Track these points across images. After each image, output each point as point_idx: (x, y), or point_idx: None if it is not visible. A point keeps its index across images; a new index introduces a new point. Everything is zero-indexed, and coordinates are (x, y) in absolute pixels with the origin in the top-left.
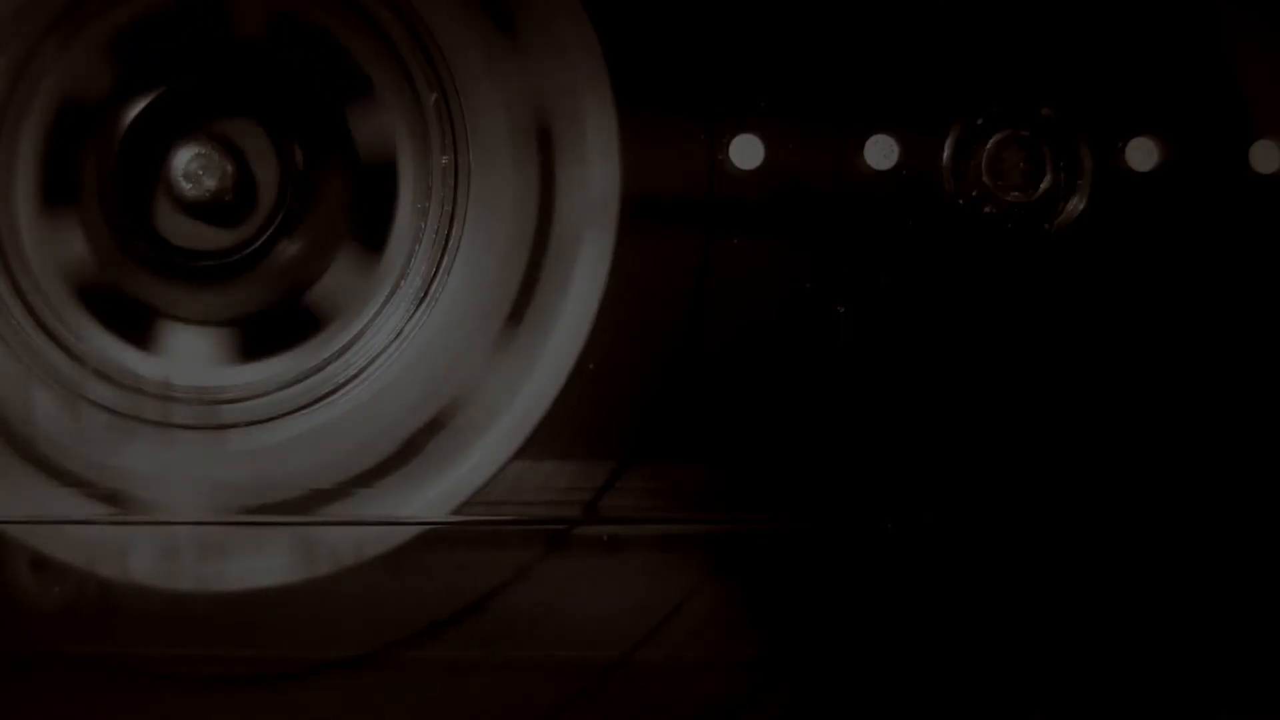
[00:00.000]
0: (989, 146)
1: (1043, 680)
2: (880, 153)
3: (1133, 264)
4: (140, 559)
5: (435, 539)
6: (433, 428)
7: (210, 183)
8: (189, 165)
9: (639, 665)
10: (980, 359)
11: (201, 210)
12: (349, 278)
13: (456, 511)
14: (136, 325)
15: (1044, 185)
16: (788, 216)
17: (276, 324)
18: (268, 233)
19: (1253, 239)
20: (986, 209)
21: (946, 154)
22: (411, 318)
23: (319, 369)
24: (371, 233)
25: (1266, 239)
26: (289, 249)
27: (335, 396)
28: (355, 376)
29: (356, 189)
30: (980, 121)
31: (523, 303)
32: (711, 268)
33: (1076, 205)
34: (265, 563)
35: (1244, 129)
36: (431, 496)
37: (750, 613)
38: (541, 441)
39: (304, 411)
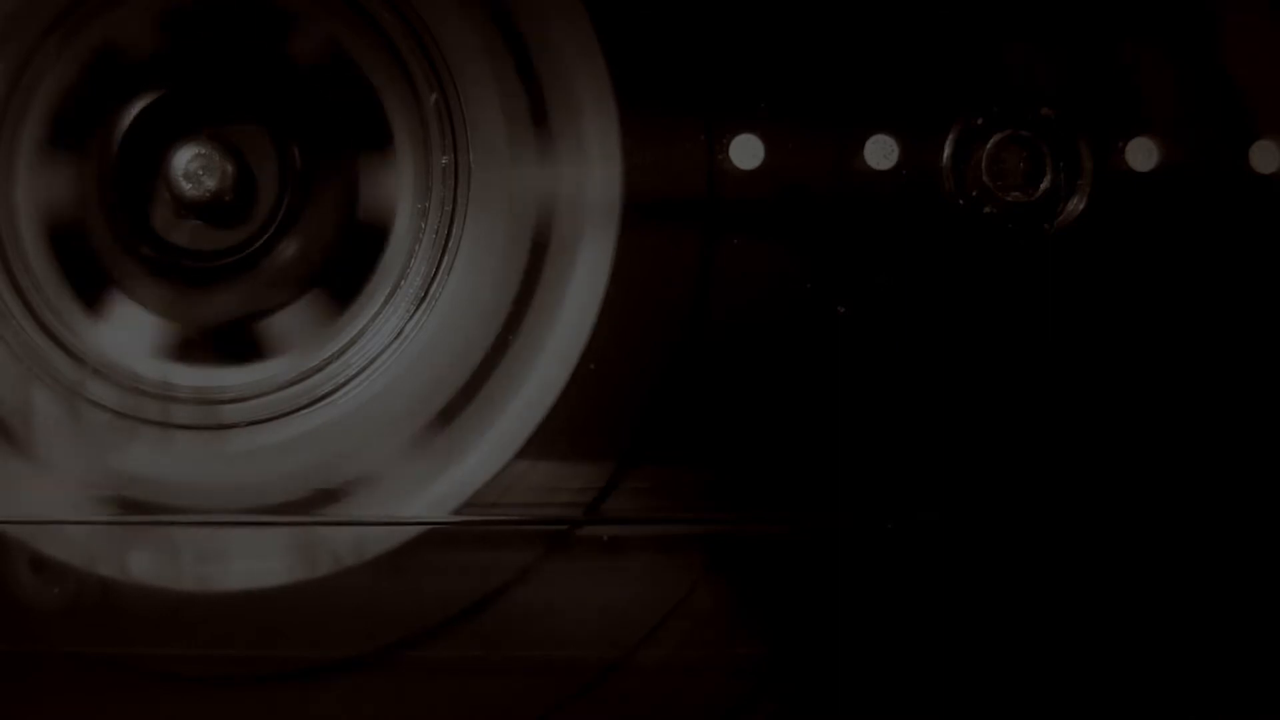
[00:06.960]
0: (989, 146)
1: (1043, 680)
2: (880, 153)
3: (1133, 264)
4: (140, 559)
5: (436, 539)
6: (433, 428)
7: (210, 182)
8: (189, 165)
9: (639, 665)
10: (980, 359)
11: (202, 210)
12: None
13: (458, 512)
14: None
15: (1044, 185)
16: (788, 217)
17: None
18: (276, 221)
19: (1252, 239)
20: (986, 209)
21: (946, 154)
22: (411, 318)
23: (319, 369)
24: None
25: (1266, 239)
26: (291, 244)
27: (335, 396)
28: (355, 376)
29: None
30: (980, 121)
31: (523, 303)
32: (711, 268)
33: (1076, 205)
34: (266, 563)
35: (1244, 129)
36: (433, 497)
37: (750, 613)
38: (542, 442)
39: (304, 411)
